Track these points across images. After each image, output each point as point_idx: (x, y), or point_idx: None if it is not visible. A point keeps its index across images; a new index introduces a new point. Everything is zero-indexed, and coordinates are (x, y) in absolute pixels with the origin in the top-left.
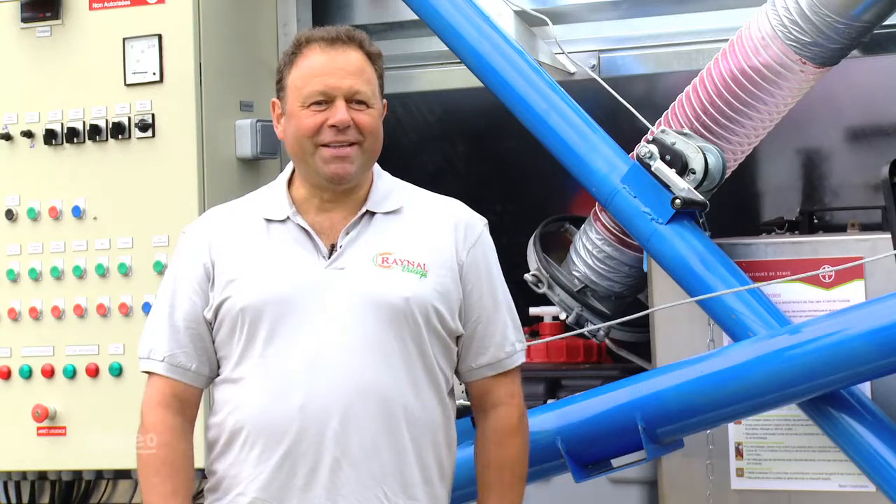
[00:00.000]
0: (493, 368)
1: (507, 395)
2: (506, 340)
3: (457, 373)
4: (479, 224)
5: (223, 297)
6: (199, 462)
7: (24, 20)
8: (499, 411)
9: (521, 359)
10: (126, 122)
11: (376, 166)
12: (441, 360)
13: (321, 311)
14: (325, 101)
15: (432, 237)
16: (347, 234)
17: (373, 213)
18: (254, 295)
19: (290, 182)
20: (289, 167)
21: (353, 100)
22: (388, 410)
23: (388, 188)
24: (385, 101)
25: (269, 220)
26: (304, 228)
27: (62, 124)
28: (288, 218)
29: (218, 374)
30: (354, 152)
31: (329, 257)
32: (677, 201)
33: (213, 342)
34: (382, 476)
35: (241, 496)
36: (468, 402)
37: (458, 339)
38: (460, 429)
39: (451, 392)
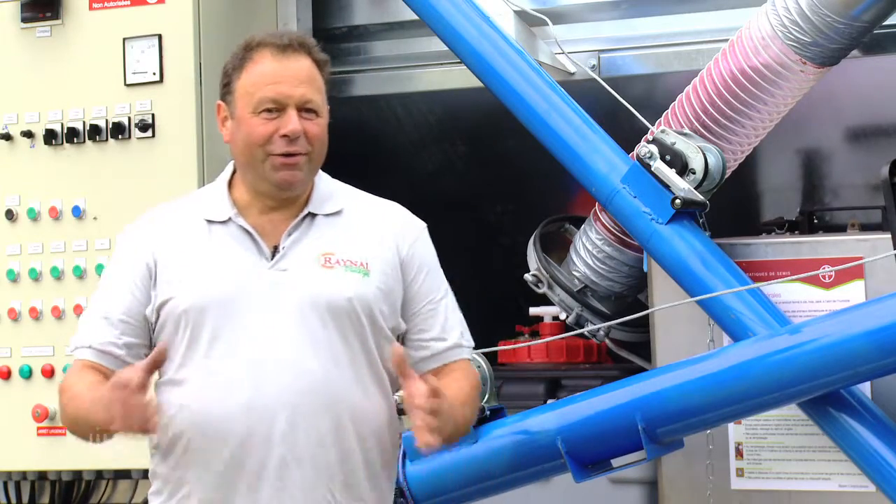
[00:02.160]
0: (437, 360)
1: (459, 369)
2: (446, 334)
3: None
4: (418, 225)
5: (165, 298)
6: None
7: (24, 20)
8: (452, 373)
9: (464, 354)
10: (126, 122)
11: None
12: (386, 357)
13: (265, 311)
14: (277, 108)
15: (374, 237)
16: (290, 235)
17: (314, 215)
18: (197, 296)
19: (230, 184)
20: (228, 168)
21: (303, 108)
22: (334, 409)
23: (329, 190)
24: (328, 106)
25: (209, 221)
26: (246, 230)
27: (62, 124)
28: (230, 219)
29: (157, 376)
30: (303, 161)
31: (272, 258)
32: (677, 201)
33: (152, 343)
34: (329, 475)
35: (187, 499)
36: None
37: (401, 335)
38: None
39: (397, 389)
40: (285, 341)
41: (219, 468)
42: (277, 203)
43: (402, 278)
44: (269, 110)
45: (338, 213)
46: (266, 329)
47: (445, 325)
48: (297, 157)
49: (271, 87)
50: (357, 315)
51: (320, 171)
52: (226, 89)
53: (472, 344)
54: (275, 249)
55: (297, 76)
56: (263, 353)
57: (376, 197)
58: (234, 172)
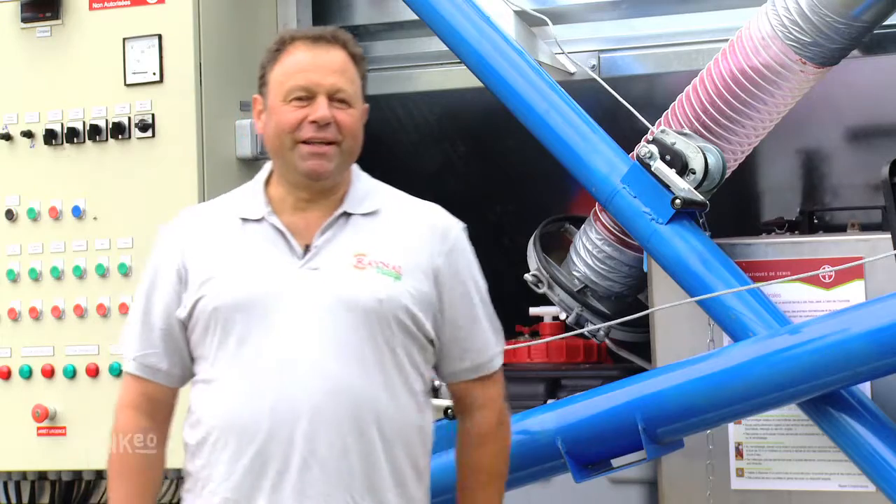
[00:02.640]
0: (473, 372)
1: (486, 398)
2: (486, 345)
3: (438, 375)
4: (455, 228)
5: (197, 297)
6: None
7: (24, 20)
8: (477, 415)
9: (499, 363)
10: (126, 122)
11: (355, 167)
12: (417, 361)
13: (294, 311)
14: (307, 96)
15: (409, 240)
16: (323, 234)
17: (349, 214)
18: (227, 295)
19: (267, 181)
20: (267, 166)
21: (334, 98)
22: (358, 412)
23: (366, 189)
24: (367, 105)
25: (244, 220)
26: (278, 228)
27: (62, 124)
28: (263, 217)
29: (194, 374)
30: (333, 151)
31: (303, 257)
32: (677, 201)
33: (189, 343)
34: (350, 478)
35: (213, 495)
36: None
37: (433, 341)
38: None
39: (429, 392)
40: (312, 343)
41: (243, 467)
42: (311, 196)
43: (436, 283)
44: (299, 98)
45: (374, 213)
46: (294, 329)
47: (484, 335)
48: (327, 147)
49: (302, 74)
50: (387, 318)
51: (359, 170)
52: (261, 82)
53: (503, 347)
54: (307, 248)
55: (329, 66)
56: (290, 354)
57: (414, 198)
58: (271, 170)
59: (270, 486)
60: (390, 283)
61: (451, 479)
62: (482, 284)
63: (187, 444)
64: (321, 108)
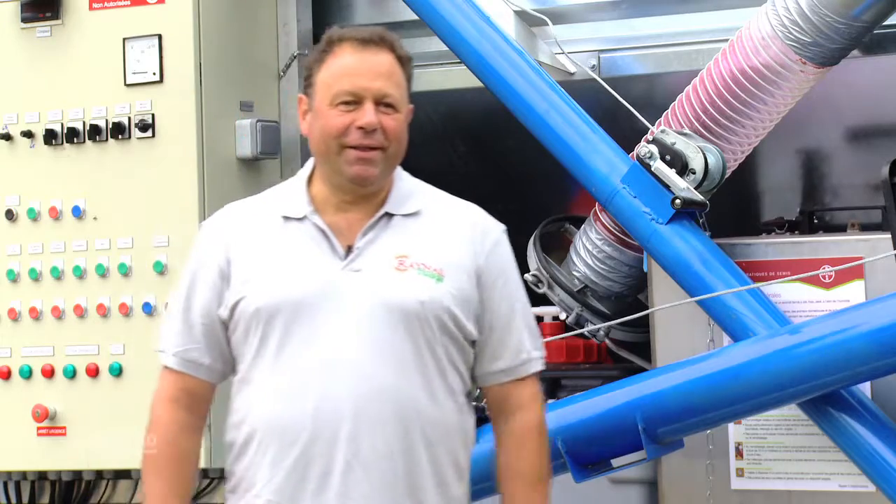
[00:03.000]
0: (509, 374)
1: (525, 399)
2: (522, 347)
3: (472, 376)
4: (497, 230)
5: (239, 297)
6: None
7: (24, 20)
8: (517, 417)
9: (537, 366)
10: (126, 122)
11: (398, 167)
12: (457, 362)
13: (336, 313)
14: (354, 101)
15: (450, 241)
16: (365, 235)
17: (391, 215)
18: (268, 296)
19: (309, 179)
20: (309, 164)
21: (381, 102)
22: (401, 413)
23: (408, 190)
24: (411, 105)
25: (286, 218)
26: (321, 228)
27: (62, 124)
28: (305, 216)
29: (235, 373)
30: (378, 156)
31: (345, 258)
32: (677, 201)
33: (229, 341)
34: (394, 480)
35: (257, 498)
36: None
37: (473, 342)
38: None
39: (469, 393)
40: (354, 344)
41: (287, 469)
42: (354, 199)
43: (477, 285)
44: (346, 102)
45: (415, 213)
46: (335, 331)
47: (521, 337)
48: (373, 152)
49: (349, 79)
50: (428, 320)
51: (401, 170)
52: (307, 82)
53: (543, 352)
54: (349, 249)
55: (377, 70)
56: (333, 356)
57: (456, 198)
58: (314, 168)
59: (314, 489)
60: (432, 284)
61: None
62: (522, 287)
63: (231, 445)
64: (368, 114)
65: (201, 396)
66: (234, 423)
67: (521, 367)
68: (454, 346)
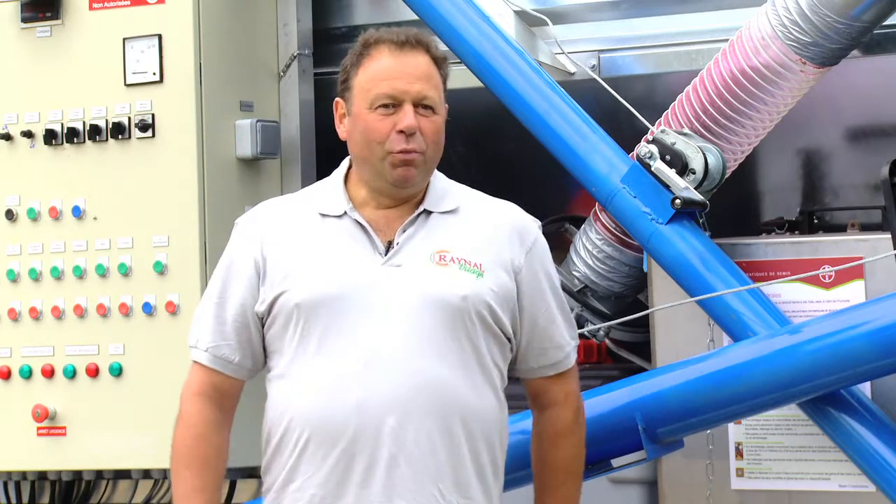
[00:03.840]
0: (553, 369)
1: (562, 394)
2: (563, 341)
3: (515, 371)
4: (534, 227)
5: (278, 292)
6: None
7: (24, 20)
8: (553, 411)
9: (574, 358)
10: (126, 122)
11: None
12: (496, 358)
13: (378, 308)
14: (393, 104)
15: (489, 238)
16: (404, 231)
17: (429, 212)
18: (310, 290)
19: (345, 180)
20: (344, 164)
21: (420, 104)
22: (444, 408)
23: (444, 188)
24: (447, 105)
25: (323, 215)
26: (360, 224)
27: (62, 124)
28: (345, 213)
29: (268, 369)
30: (419, 159)
31: (386, 254)
32: (677, 201)
33: (264, 336)
34: (438, 473)
35: (300, 492)
36: None
37: (510, 337)
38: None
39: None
40: (397, 339)
41: (330, 464)
42: (393, 201)
43: (517, 281)
44: (385, 106)
45: (453, 211)
46: (378, 326)
47: (560, 331)
48: (414, 155)
49: (388, 82)
50: (469, 315)
51: (436, 170)
52: (344, 86)
53: (578, 340)
54: (389, 245)
55: (414, 72)
56: (374, 351)
57: (491, 197)
58: (348, 169)
59: (359, 483)
60: (472, 279)
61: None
62: (558, 282)
63: (268, 440)
64: (408, 118)
65: (230, 393)
66: (271, 419)
67: (564, 360)
68: (495, 342)
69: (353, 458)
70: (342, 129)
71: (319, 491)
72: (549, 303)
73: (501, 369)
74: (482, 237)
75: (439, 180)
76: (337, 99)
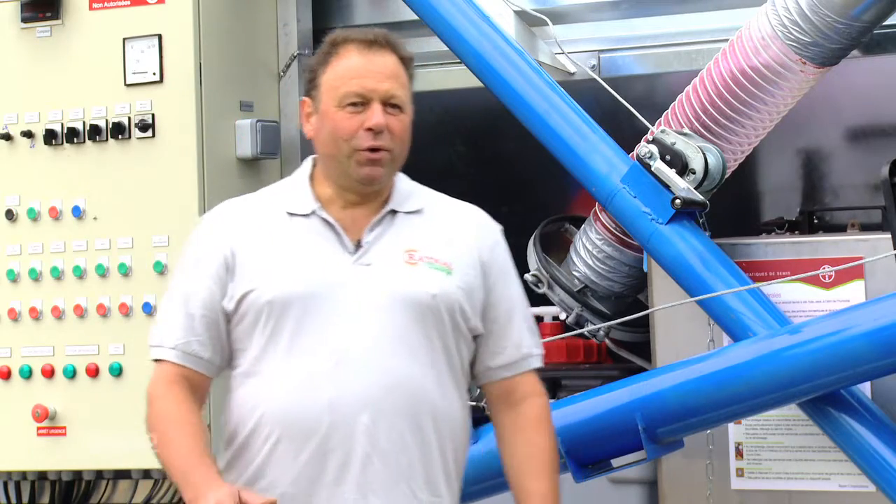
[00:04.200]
0: (511, 369)
1: (533, 388)
2: (522, 342)
3: (473, 377)
4: (496, 229)
5: (248, 289)
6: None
7: (24, 20)
8: (527, 403)
9: (537, 363)
10: (126, 122)
11: None
12: (464, 357)
13: (349, 306)
14: (362, 102)
15: (455, 237)
16: (372, 230)
17: (396, 212)
18: (281, 288)
19: (311, 178)
20: (307, 163)
21: (388, 103)
22: (415, 407)
23: (408, 189)
24: (413, 106)
25: (291, 214)
26: (329, 223)
27: (62, 124)
28: (313, 212)
29: (233, 366)
30: (386, 157)
31: (355, 253)
32: (677, 201)
33: (230, 333)
34: (410, 472)
35: (269, 490)
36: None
37: (475, 337)
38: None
39: (469, 390)
40: (368, 338)
41: (303, 461)
42: (359, 199)
43: (482, 280)
44: (354, 104)
45: (418, 211)
46: (350, 324)
47: (521, 333)
48: (381, 153)
49: (357, 80)
50: (440, 313)
51: (399, 171)
52: (311, 84)
53: (542, 350)
54: (357, 244)
55: (383, 71)
56: (346, 349)
57: (453, 198)
58: (313, 167)
59: (332, 480)
60: (442, 277)
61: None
62: (519, 286)
63: (232, 437)
64: (376, 116)
65: (200, 387)
66: (238, 416)
67: (523, 361)
68: (462, 341)
69: (327, 456)
70: (309, 128)
71: (291, 489)
72: (509, 302)
73: (467, 370)
74: (448, 236)
75: (403, 181)
76: (304, 98)
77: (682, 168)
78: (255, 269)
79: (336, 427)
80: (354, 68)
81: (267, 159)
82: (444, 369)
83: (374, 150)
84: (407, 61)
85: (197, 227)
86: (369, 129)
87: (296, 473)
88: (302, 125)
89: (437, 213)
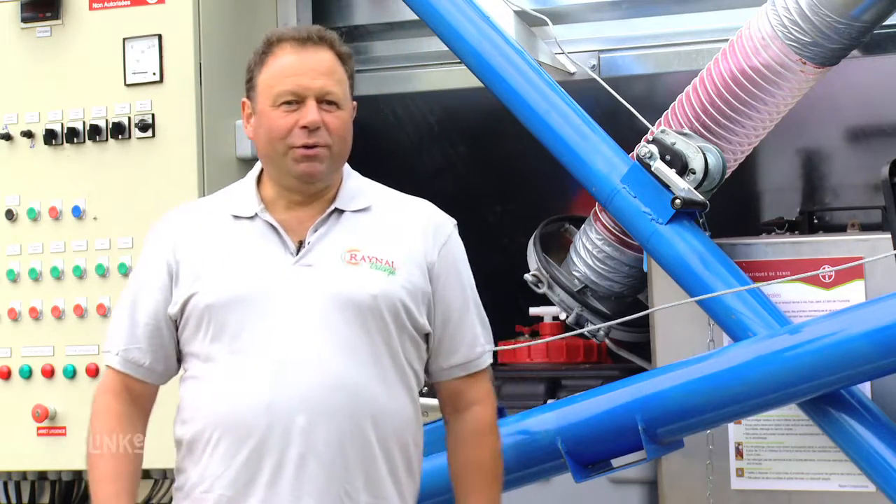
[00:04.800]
0: (464, 369)
1: (481, 392)
2: (476, 341)
3: (426, 373)
4: (448, 224)
5: (189, 294)
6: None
7: (24, 20)
8: (473, 411)
9: (489, 359)
10: (126, 122)
11: (346, 166)
12: (412, 358)
13: (289, 308)
14: (296, 101)
15: (402, 235)
16: (315, 231)
17: (341, 211)
18: (220, 292)
19: (258, 180)
20: (257, 166)
21: (323, 100)
22: (355, 408)
23: (357, 187)
24: (355, 102)
25: (236, 217)
26: (271, 225)
27: (62, 124)
28: (256, 215)
29: (183, 370)
30: (324, 153)
31: (297, 254)
32: (677, 201)
33: (178, 340)
34: (347, 474)
35: (207, 493)
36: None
37: (426, 337)
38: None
39: (421, 391)
40: (308, 339)
41: (239, 463)
42: (303, 198)
43: (430, 279)
44: (288, 102)
45: (365, 209)
46: (289, 326)
47: (475, 330)
48: (318, 150)
49: (291, 79)
50: (381, 313)
51: (349, 169)
52: (249, 85)
53: (493, 346)
54: (300, 245)
55: (317, 68)
56: (286, 351)
57: (406, 195)
58: (262, 170)
59: (267, 482)
60: (384, 277)
61: (444, 482)
62: (472, 282)
63: (179, 442)
64: (311, 113)
65: (143, 395)
66: (182, 420)
67: (477, 360)
68: (409, 340)
69: (262, 458)
70: (249, 129)
71: (227, 491)
72: (461, 300)
73: (417, 370)
74: (395, 234)
75: (353, 179)
76: (243, 99)
77: (682, 168)
78: (196, 273)
79: (272, 428)
80: (288, 67)
81: None
82: (389, 369)
83: (309, 146)
84: (345, 57)
85: (148, 234)
86: (304, 127)
87: (233, 475)
88: (243, 127)
89: (385, 211)
